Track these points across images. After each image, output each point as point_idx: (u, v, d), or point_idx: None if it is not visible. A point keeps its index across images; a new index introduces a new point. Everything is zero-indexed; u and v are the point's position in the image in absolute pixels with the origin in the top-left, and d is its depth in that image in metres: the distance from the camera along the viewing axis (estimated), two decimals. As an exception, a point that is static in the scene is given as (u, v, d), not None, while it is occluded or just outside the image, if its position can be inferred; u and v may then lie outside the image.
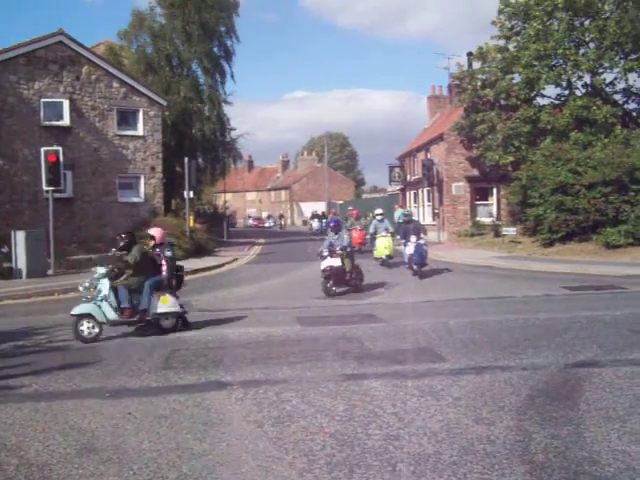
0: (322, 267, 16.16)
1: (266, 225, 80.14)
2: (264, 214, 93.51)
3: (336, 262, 16.05)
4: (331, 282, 15.97)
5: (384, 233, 23.18)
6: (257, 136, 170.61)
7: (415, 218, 24.86)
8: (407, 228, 20.24)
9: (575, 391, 7.02)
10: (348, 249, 16.46)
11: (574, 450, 5.28)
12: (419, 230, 19.95)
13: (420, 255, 19.08)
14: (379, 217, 24.41)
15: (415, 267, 19.20)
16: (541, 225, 27.16)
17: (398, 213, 40.70)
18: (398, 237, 21.77)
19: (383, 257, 22.69)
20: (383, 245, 22.92)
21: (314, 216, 55.50)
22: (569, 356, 8.62)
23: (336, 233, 16.80)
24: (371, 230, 24.64)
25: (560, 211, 25.88)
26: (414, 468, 5.03)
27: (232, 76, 41.65)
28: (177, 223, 29.37)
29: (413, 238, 19.40)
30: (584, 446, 5.36)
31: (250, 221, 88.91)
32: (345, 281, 16.39)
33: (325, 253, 16.31)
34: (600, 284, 17.13)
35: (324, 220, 48.58)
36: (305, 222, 76.12)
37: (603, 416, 6.11)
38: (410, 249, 19.47)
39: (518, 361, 8.43)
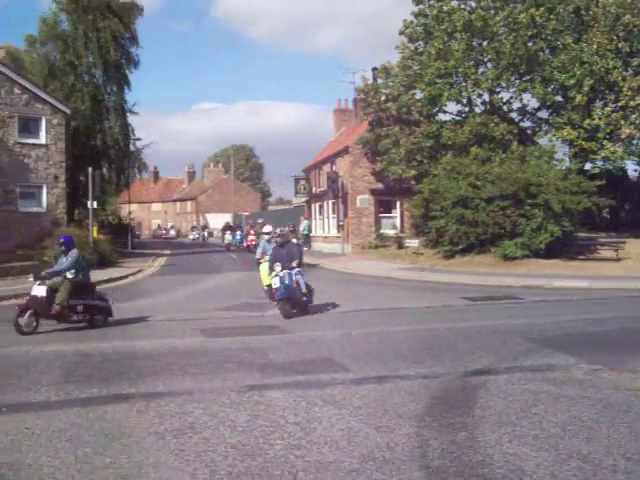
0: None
1: (190, 237, 75.73)
2: (169, 224, 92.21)
3: (40, 291, 12.59)
4: (27, 317, 12.43)
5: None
6: (164, 147, 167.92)
7: (294, 240, 19.75)
8: (278, 254, 15.20)
9: (471, 398, 7.25)
10: (68, 275, 12.89)
11: (469, 454, 5.45)
12: (293, 256, 15.00)
13: (289, 289, 14.31)
14: (267, 236, 18.09)
15: (280, 307, 14.41)
16: (442, 237, 27.86)
17: (304, 225, 41.03)
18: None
19: (265, 288, 16.73)
20: (267, 272, 16.42)
21: (226, 228, 50.48)
22: (467, 364, 8.89)
23: (65, 254, 13.16)
24: (257, 253, 18.20)
25: (460, 224, 26.61)
26: (314, 476, 5.08)
27: (130, 85, 40.87)
28: (80, 233, 28.57)
29: (278, 267, 14.58)
30: (478, 450, 5.55)
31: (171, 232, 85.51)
32: (51, 316, 12.71)
33: (30, 278, 13.24)
34: (498, 295, 17.73)
35: (238, 232, 47.54)
36: (211, 234, 75.22)
37: (496, 421, 6.34)
38: (276, 281, 14.55)
39: (418, 370, 8.62)
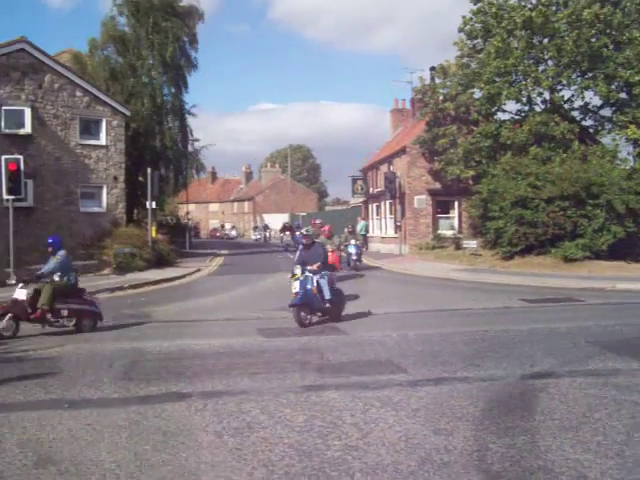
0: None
1: (252, 237, 73.17)
2: (228, 225, 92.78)
3: (21, 294, 12.20)
4: (5, 320, 11.93)
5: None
6: (222, 147, 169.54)
7: (320, 240, 18.09)
8: (302, 255, 14.02)
9: (531, 402, 7.13)
10: (54, 277, 12.55)
11: (529, 459, 5.36)
12: (318, 257, 13.69)
13: (308, 295, 13.06)
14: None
15: (294, 314, 13.05)
16: (501, 238, 27.49)
17: (361, 225, 40.88)
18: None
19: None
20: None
21: (285, 228, 49.82)
22: (526, 367, 8.75)
23: (54, 255, 12.75)
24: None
25: (520, 224, 26.23)
26: (372, 478, 5.07)
27: (188, 87, 41.10)
28: (139, 233, 29.16)
29: (297, 270, 13.46)
30: (539, 455, 5.45)
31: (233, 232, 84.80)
32: (33, 319, 12.33)
33: (12, 281, 12.84)
34: (558, 296, 17.42)
35: (297, 233, 47.03)
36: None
37: (557, 426, 6.22)
38: (295, 285, 13.37)
39: (476, 372, 8.52)
